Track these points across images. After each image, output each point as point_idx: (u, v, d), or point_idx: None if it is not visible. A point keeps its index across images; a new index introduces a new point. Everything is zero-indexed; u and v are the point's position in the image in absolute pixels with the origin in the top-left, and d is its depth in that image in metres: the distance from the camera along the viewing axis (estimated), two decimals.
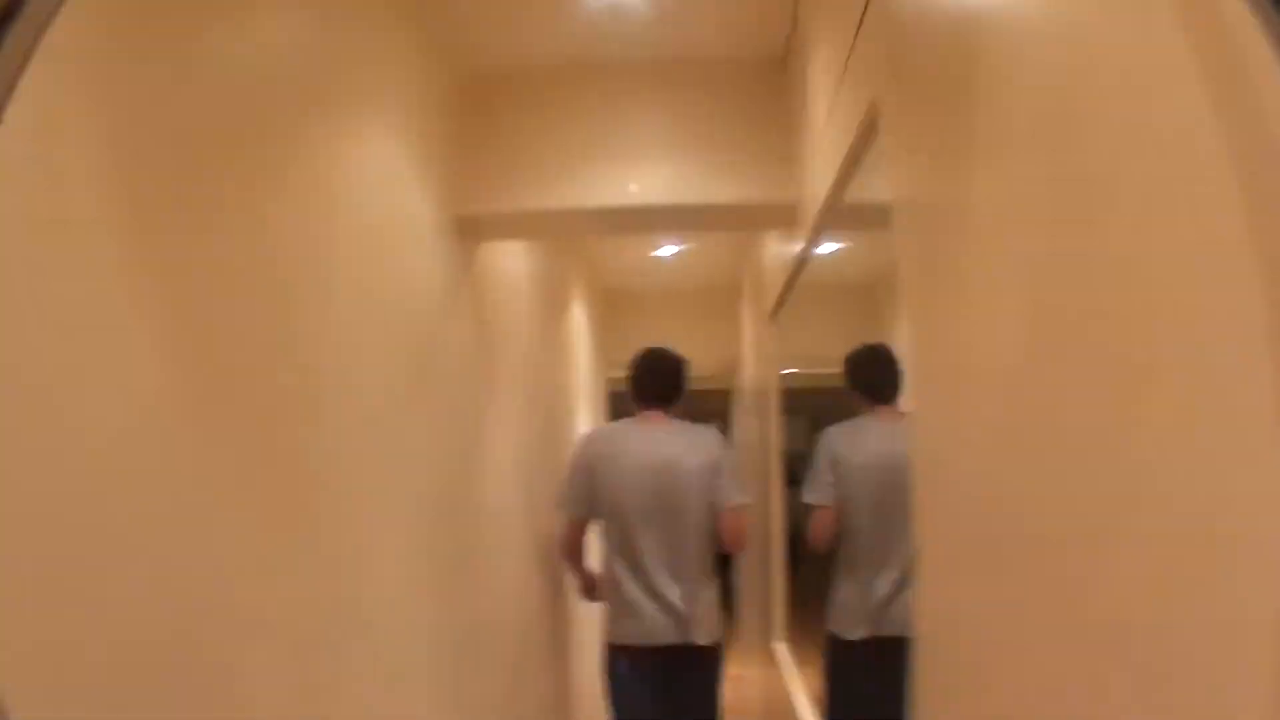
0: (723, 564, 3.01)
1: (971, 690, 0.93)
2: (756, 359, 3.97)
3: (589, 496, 2.79)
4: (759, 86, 2.40)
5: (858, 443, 2.25)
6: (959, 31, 0.93)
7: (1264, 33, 0.42)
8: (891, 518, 1.82)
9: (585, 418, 4.30)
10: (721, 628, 2.85)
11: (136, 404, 0.91)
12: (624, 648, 2.77)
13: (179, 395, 0.98)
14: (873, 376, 2.03)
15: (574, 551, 2.94)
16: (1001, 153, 0.81)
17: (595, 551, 2.97)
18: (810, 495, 2.24)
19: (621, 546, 2.75)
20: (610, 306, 5.40)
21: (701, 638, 2.74)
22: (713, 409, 3.91)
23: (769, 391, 3.30)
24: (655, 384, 2.91)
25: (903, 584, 1.78)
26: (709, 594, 2.78)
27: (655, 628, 2.71)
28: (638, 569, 2.72)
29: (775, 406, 3.18)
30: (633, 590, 2.73)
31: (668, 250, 4.38)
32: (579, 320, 4.26)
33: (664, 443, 2.79)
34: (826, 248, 2.26)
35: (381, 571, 1.61)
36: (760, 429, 3.62)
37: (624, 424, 2.92)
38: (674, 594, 2.71)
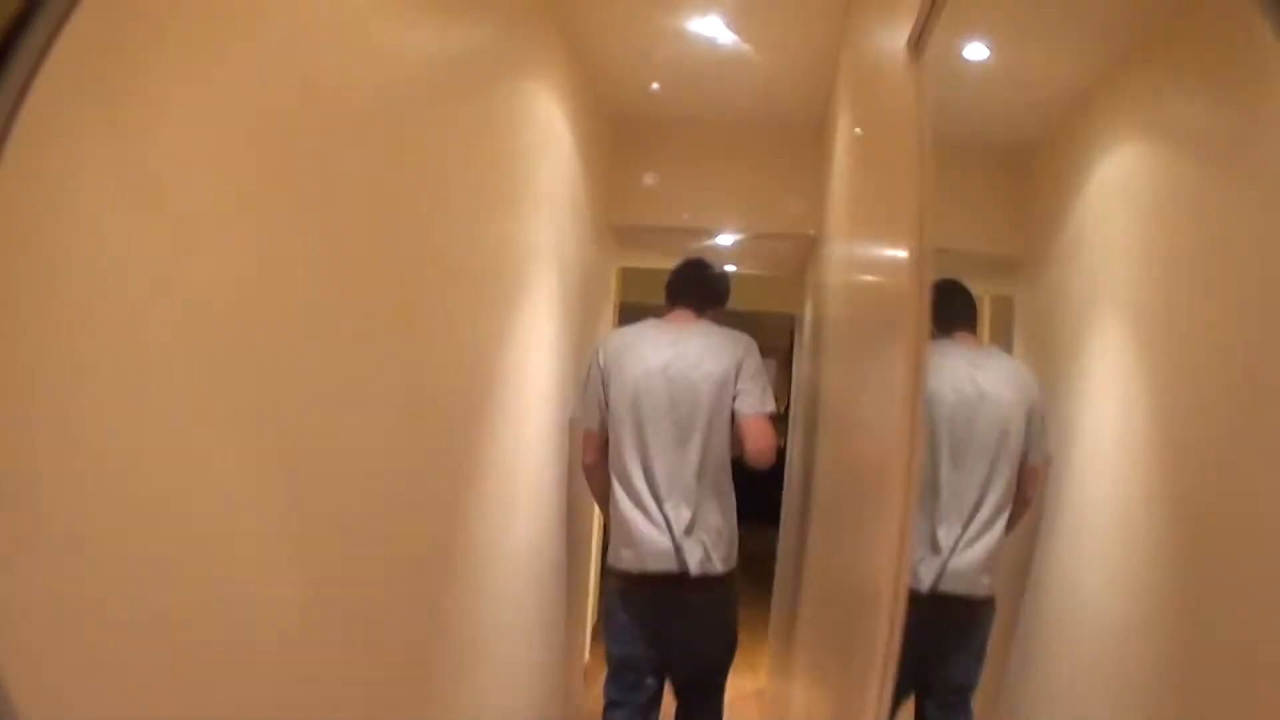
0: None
1: None
2: (854, 217, 2.28)
3: (604, 405, 2.63)
4: None
5: (936, 365, 1.97)
6: None
7: (1271, 30, 0.43)
8: (966, 456, 1.74)
9: (552, 308, 2.69)
10: (735, 554, 2.63)
11: None
12: (623, 575, 2.59)
13: None
14: (952, 302, 1.74)
15: (596, 471, 2.70)
16: None
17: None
18: None
19: (627, 461, 2.57)
20: (619, 149, 3.51)
21: (712, 565, 2.54)
22: (767, 345, 2.88)
23: (909, 259, 1.37)
24: (689, 284, 2.77)
25: (975, 536, 1.69)
26: (723, 516, 2.58)
27: (657, 553, 2.52)
28: (643, 487, 2.54)
29: (921, 296, 1.26)
30: (635, 511, 2.54)
31: (708, 22, 2.63)
32: (551, 148, 2.56)
33: (680, 344, 2.63)
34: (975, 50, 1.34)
35: None
36: (877, 357, 1.75)
37: (642, 325, 2.75)
38: (683, 516, 2.52)
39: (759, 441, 2.56)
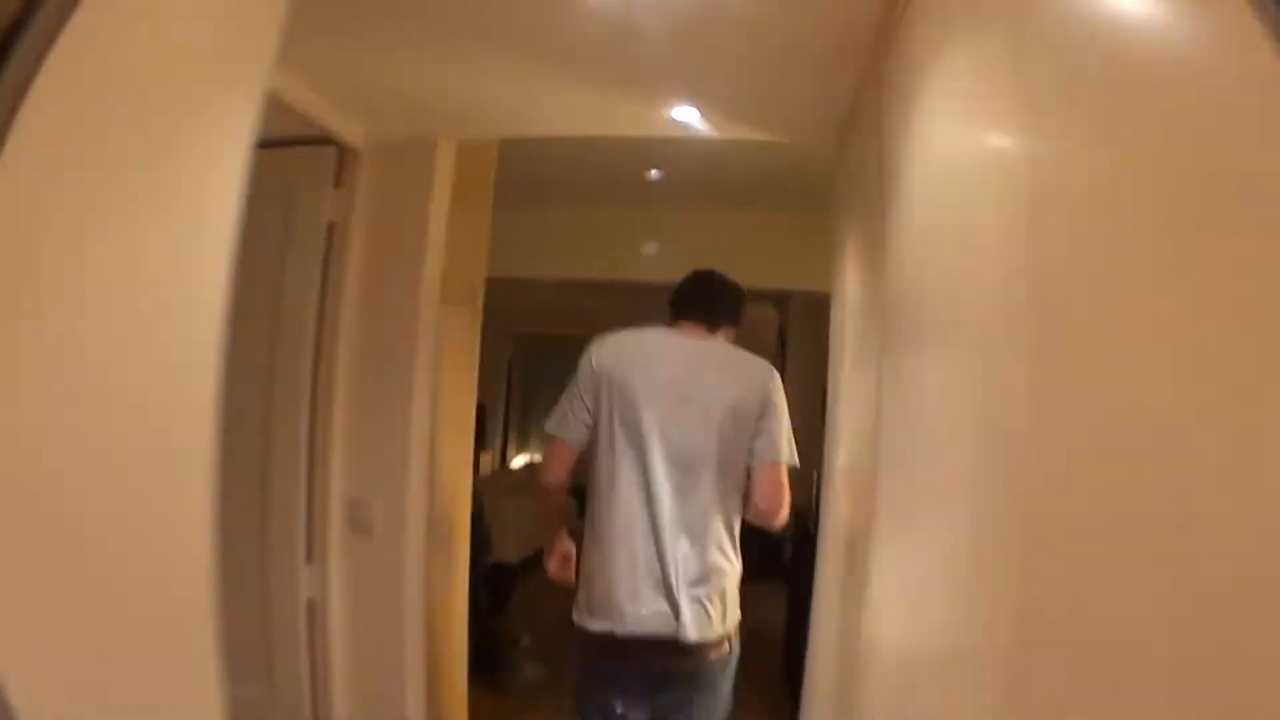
0: None
1: None
2: None
3: (589, 418, 2.27)
4: None
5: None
6: None
7: (1265, 29, 0.44)
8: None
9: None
10: (737, 611, 2.28)
11: None
12: (602, 637, 2.20)
13: None
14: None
15: (558, 494, 2.38)
16: None
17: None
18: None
19: (623, 491, 2.20)
20: None
21: (712, 630, 2.18)
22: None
23: None
24: (699, 296, 2.42)
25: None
26: (732, 571, 2.25)
27: (650, 613, 2.16)
28: (639, 526, 2.19)
29: None
30: (621, 556, 2.19)
31: None
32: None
33: (696, 360, 2.30)
34: None
35: None
36: None
37: (650, 331, 2.38)
38: (687, 567, 2.17)
39: (772, 496, 2.24)
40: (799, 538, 5.54)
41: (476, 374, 3.07)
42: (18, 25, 0.60)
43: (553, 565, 2.40)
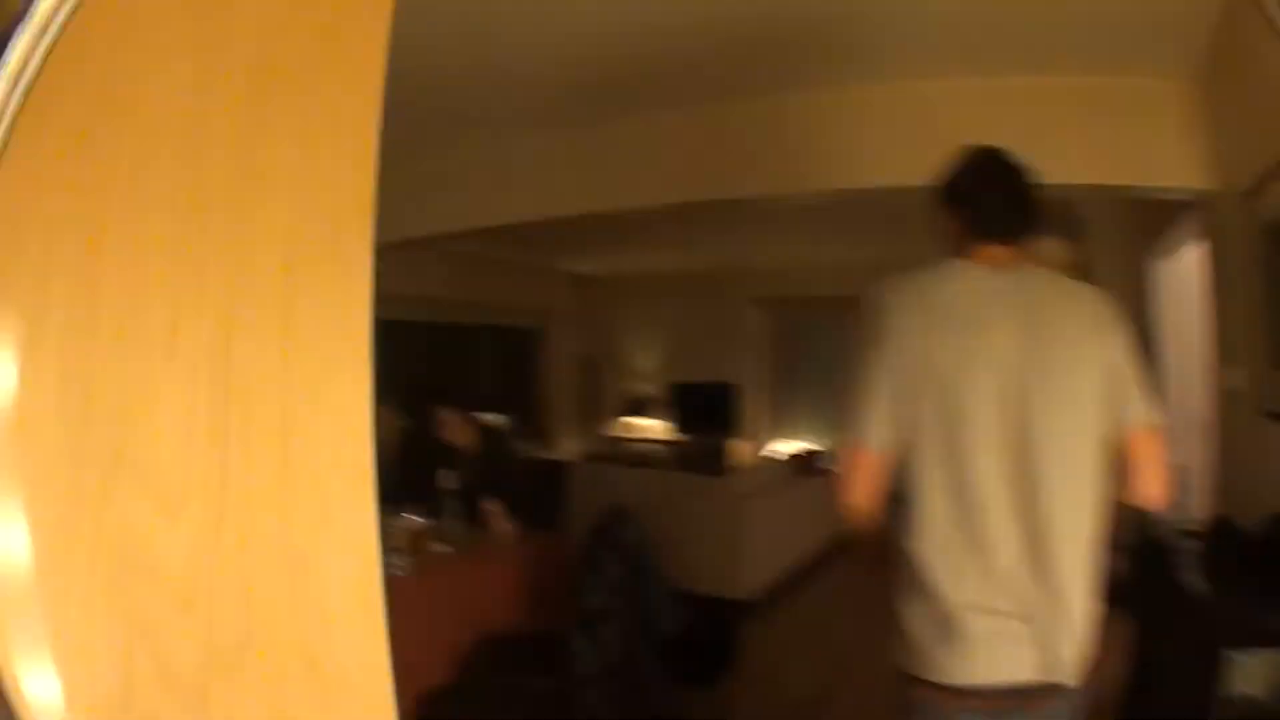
0: None
1: None
2: None
3: (901, 407, 1.74)
4: None
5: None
6: None
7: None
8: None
9: None
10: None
11: None
12: (947, 691, 1.71)
13: None
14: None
15: (867, 504, 1.79)
16: None
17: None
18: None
19: (954, 501, 1.72)
20: None
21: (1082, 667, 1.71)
22: None
23: None
24: (998, 200, 1.83)
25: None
26: (1092, 589, 1.73)
27: (1003, 653, 1.70)
28: (976, 543, 1.71)
29: None
30: (962, 584, 1.71)
31: None
32: None
33: (1028, 308, 1.75)
34: None
35: None
36: None
37: (949, 271, 1.81)
38: (1046, 591, 1.69)
39: (1163, 474, 1.73)
40: (1146, 548, 4.02)
41: (369, 380, 1.76)
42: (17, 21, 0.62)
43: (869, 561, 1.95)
